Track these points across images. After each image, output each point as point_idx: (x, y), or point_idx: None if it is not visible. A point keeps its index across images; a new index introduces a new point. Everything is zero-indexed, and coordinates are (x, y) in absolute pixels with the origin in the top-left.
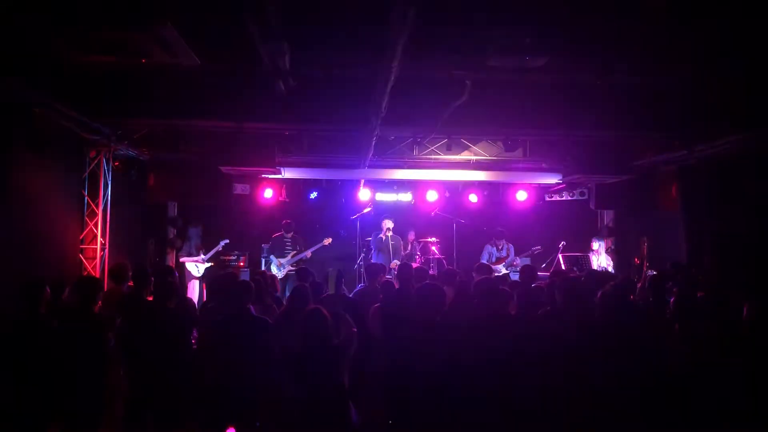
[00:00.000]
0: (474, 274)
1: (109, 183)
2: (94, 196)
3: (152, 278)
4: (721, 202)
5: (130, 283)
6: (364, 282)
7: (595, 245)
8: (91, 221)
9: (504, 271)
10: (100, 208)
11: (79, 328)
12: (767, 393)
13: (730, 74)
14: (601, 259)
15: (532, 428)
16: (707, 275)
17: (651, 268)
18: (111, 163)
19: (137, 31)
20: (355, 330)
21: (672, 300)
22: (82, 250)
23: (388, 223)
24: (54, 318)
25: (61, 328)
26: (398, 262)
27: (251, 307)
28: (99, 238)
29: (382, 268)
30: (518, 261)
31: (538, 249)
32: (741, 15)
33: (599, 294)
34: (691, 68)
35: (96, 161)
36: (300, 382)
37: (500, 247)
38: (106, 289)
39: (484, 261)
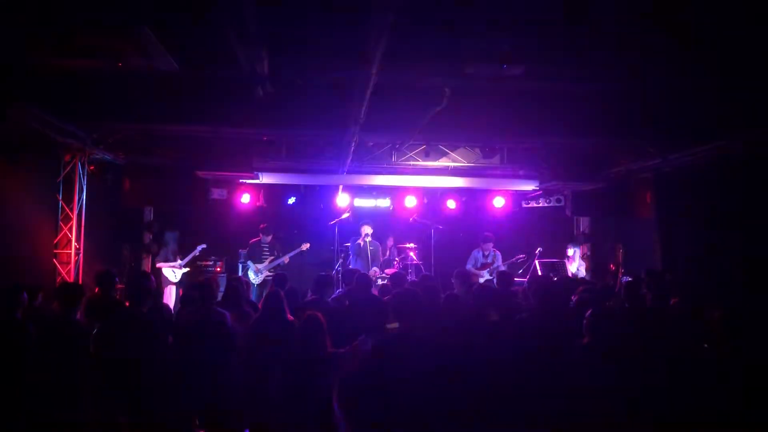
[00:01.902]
0: (453, 280)
1: (84, 187)
2: (68, 200)
3: (117, 280)
4: (694, 210)
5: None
6: (342, 288)
7: (570, 251)
8: (66, 226)
9: (488, 276)
10: (75, 212)
11: (62, 335)
12: (738, 397)
13: (705, 83)
14: (575, 265)
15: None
16: (681, 282)
17: (626, 274)
18: (86, 167)
19: (114, 34)
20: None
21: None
22: (56, 255)
23: (367, 229)
24: (30, 323)
25: (42, 334)
26: (377, 269)
27: (222, 310)
28: (73, 243)
29: (351, 275)
30: (503, 268)
31: (522, 258)
32: (716, 25)
33: (574, 299)
34: (666, 77)
35: (71, 165)
36: (288, 389)
37: (486, 254)
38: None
39: (470, 266)
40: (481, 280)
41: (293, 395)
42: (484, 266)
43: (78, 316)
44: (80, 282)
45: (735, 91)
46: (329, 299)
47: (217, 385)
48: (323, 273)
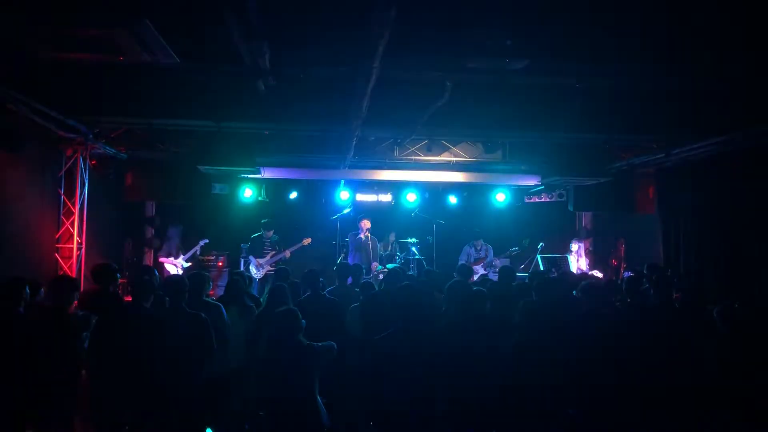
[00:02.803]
0: (455, 275)
1: (86, 182)
2: (70, 194)
3: (118, 275)
4: (697, 205)
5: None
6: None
7: (575, 246)
8: (68, 220)
9: (482, 271)
10: (77, 207)
11: (52, 328)
12: (736, 391)
13: (707, 79)
14: (583, 261)
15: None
16: (683, 277)
17: (628, 270)
18: (88, 162)
19: (114, 28)
20: (335, 345)
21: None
22: (58, 250)
23: (367, 224)
24: (30, 318)
25: (35, 328)
26: (377, 264)
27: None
28: (75, 238)
29: (358, 269)
30: (497, 262)
31: (516, 250)
32: (717, 21)
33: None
34: (668, 72)
35: (73, 160)
36: (269, 381)
37: (479, 248)
38: (90, 289)
39: (463, 262)
40: (476, 276)
41: (273, 388)
42: (477, 261)
43: (74, 309)
44: (82, 277)
45: (737, 86)
46: (326, 292)
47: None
48: (308, 270)
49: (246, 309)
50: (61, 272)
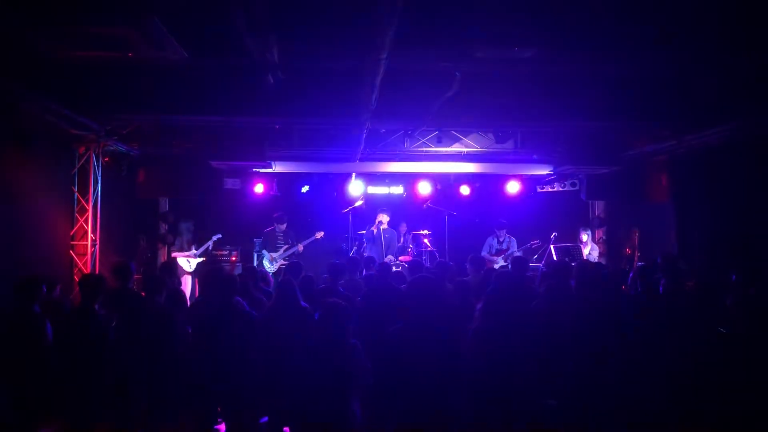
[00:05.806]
0: (467, 266)
1: (99, 179)
2: (84, 192)
3: (135, 272)
4: (710, 192)
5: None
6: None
7: (584, 237)
8: (82, 217)
9: (502, 263)
10: (90, 204)
11: (83, 326)
12: (750, 382)
13: (719, 65)
14: (588, 249)
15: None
16: (697, 265)
17: (642, 259)
18: (101, 159)
19: (122, 25)
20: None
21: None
22: (72, 247)
23: (383, 217)
24: (47, 315)
25: (62, 326)
26: (392, 257)
27: (240, 299)
28: (90, 234)
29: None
30: (518, 253)
31: (537, 243)
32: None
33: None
34: (680, 59)
35: (85, 157)
36: (305, 375)
37: (501, 240)
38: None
39: (485, 253)
40: (496, 267)
41: (309, 382)
42: (499, 252)
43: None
44: (97, 273)
45: (748, 72)
46: (339, 286)
47: (238, 374)
48: (336, 261)
49: (256, 303)
50: (76, 269)
